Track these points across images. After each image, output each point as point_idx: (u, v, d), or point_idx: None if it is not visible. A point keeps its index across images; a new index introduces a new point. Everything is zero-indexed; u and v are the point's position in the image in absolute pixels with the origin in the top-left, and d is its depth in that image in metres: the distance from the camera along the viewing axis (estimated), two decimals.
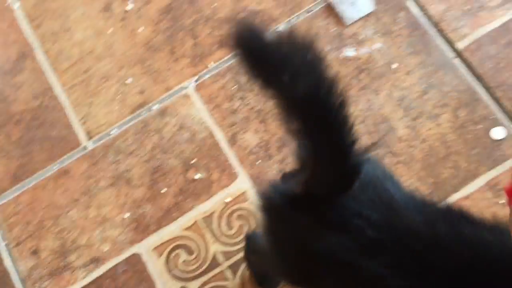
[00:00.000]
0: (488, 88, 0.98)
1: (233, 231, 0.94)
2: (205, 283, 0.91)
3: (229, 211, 0.95)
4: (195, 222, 0.95)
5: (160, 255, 0.93)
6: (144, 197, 0.97)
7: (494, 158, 0.93)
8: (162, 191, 0.97)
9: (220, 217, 0.95)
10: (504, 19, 1.02)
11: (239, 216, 0.94)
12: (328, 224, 0.56)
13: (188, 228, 0.94)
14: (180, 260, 0.93)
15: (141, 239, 0.94)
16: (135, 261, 0.93)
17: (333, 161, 0.53)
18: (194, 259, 0.93)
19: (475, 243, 0.53)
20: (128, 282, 0.92)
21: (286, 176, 0.68)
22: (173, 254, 0.93)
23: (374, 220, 0.54)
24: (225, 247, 0.93)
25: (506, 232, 0.54)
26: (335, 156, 0.52)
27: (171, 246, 0.94)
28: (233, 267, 0.91)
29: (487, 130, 0.95)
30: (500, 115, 0.96)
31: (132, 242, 0.94)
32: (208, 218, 0.95)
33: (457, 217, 0.56)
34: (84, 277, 0.93)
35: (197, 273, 0.92)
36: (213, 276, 0.91)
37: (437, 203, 0.60)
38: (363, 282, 0.56)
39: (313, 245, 0.57)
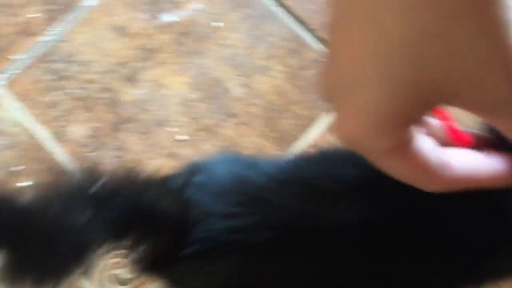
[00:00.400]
0: (312, 31, 0.97)
1: None
2: None
3: None
4: None
5: None
6: None
7: None
8: None
9: None
10: None
11: None
12: (207, 257, 0.49)
13: None
14: None
15: None
16: None
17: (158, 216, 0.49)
18: None
19: None
20: None
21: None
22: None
23: (252, 224, 0.47)
24: None
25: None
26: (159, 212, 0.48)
27: None
28: (88, 273, 0.83)
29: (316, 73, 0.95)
30: None
31: None
32: None
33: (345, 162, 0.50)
34: None
35: None
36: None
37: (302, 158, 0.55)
38: (280, 285, 0.50)
39: (214, 284, 0.51)
